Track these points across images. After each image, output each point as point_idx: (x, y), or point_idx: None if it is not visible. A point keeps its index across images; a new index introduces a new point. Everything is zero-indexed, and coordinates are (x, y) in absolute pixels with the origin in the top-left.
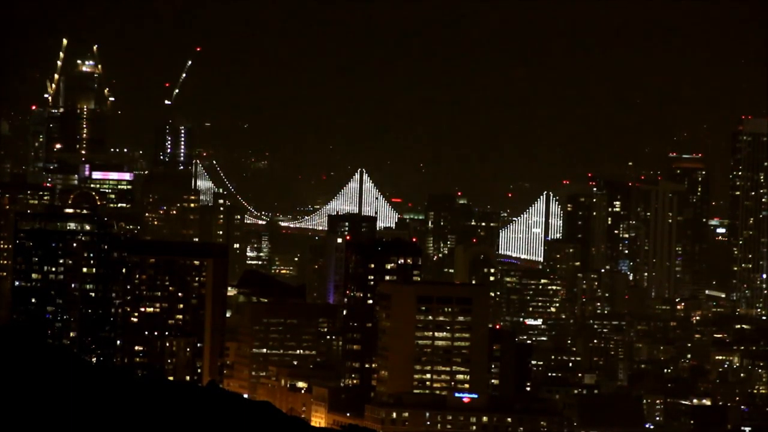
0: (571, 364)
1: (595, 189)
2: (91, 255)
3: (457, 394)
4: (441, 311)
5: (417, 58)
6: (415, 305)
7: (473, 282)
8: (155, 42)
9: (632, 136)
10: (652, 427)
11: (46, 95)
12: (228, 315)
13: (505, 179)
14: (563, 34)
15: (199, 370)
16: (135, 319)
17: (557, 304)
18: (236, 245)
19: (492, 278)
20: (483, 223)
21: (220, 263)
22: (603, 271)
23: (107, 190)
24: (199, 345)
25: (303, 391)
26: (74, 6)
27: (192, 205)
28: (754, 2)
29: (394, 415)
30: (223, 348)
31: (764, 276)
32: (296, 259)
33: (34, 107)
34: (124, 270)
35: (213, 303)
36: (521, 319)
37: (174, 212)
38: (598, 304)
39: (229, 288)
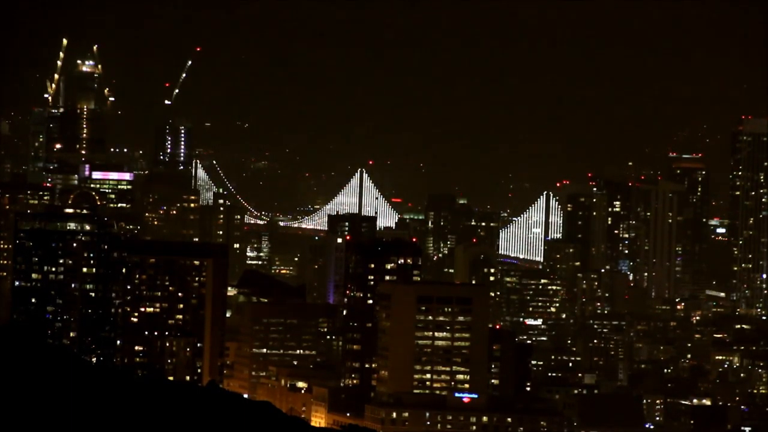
0: (571, 364)
1: (595, 189)
2: (91, 255)
3: (457, 394)
4: (441, 311)
5: (417, 58)
6: (415, 305)
7: (473, 282)
8: (155, 42)
9: (632, 136)
10: (652, 427)
11: (46, 95)
12: (228, 315)
13: (505, 179)
14: (563, 34)
15: (199, 370)
16: (135, 319)
17: (557, 304)
18: (236, 245)
19: (492, 278)
20: (483, 223)
21: (220, 263)
22: (603, 271)
23: (107, 190)
24: (199, 345)
25: (303, 391)
26: (74, 6)
27: (192, 205)
28: (754, 2)
29: (394, 415)
30: (223, 348)
31: (764, 276)
32: (296, 259)
33: (34, 107)
34: (124, 270)
35: (213, 303)
36: (521, 319)
37: (174, 212)
38: (598, 304)
39: (229, 288)
